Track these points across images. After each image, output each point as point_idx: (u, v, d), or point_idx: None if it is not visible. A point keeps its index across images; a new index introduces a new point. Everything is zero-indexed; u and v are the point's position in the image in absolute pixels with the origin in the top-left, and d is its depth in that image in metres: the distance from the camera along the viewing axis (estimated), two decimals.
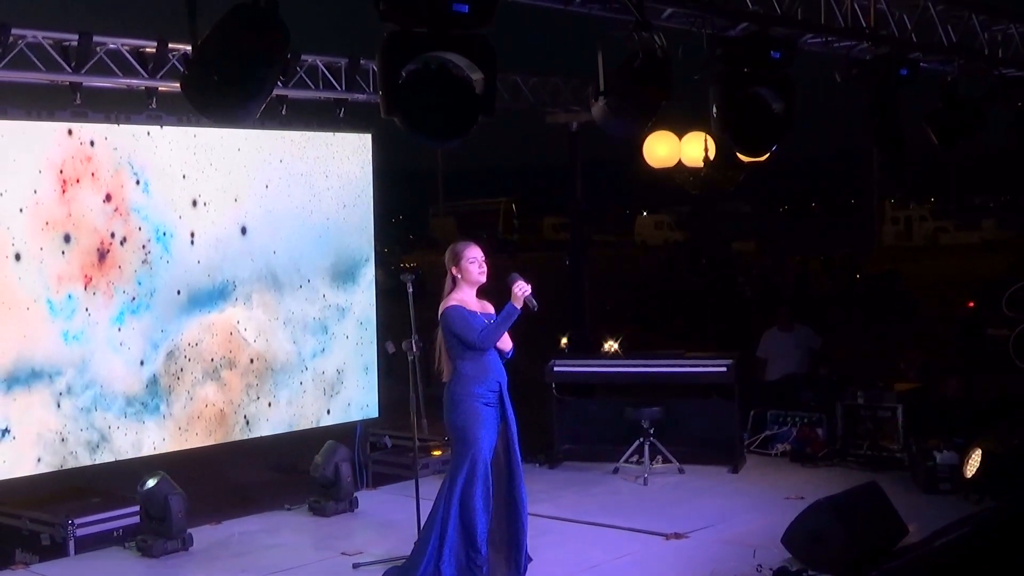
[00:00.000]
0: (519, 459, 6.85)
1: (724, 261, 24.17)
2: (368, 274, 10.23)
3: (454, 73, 6.35)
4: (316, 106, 9.81)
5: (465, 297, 6.81)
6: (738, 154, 9.17)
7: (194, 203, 9.06)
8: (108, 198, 8.55)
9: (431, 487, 7.17)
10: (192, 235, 9.05)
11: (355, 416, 10.17)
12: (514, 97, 10.63)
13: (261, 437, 9.56)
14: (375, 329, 10.24)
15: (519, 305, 6.64)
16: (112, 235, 8.57)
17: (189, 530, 8.01)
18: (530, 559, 6.89)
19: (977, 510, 8.36)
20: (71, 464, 8.38)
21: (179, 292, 8.97)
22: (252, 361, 9.45)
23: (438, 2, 6.04)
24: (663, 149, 12.49)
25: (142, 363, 8.76)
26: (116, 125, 8.58)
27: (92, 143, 8.46)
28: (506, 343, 6.83)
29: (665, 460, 9.96)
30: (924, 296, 25.66)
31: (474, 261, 6.81)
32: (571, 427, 10.64)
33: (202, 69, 5.68)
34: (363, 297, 10.19)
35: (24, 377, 8.09)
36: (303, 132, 9.73)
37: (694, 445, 10.17)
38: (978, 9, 9.41)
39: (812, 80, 9.28)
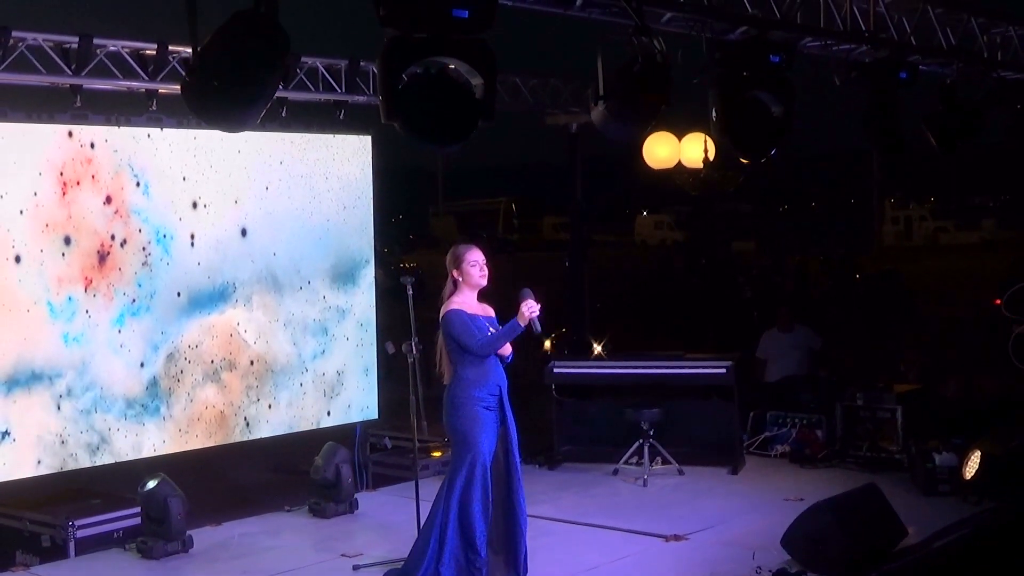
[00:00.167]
0: (518, 463, 6.86)
1: (724, 261, 24.10)
2: (368, 276, 10.24)
3: (454, 78, 6.35)
4: (316, 108, 9.83)
5: (466, 300, 6.82)
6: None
7: (194, 205, 9.07)
8: (108, 200, 8.56)
9: (431, 488, 7.17)
10: (192, 237, 9.06)
11: (355, 417, 10.19)
12: (514, 98, 10.63)
13: (261, 439, 9.58)
14: (375, 331, 10.26)
15: (524, 324, 6.66)
16: (112, 237, 8.59)
17: (189, 532, 8.01)
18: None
19: (976, 512, 8.37)
20: (71, 466, 8.39)
21: (179, 294, 8.98)
22: (252, 363, 9.46)
23: (438, 7, 6.04)
24: (663, 150, 12.52)
25: (142, 365, 8.77)
26: (116, 127, 8.59)
27: (92, 145, 8.47)
28: (506, 348, 6.84)
29: (665, 461, 9.96)
30: (924, 296, 25.61)
31: (475, 264, 6.83)
32: (571, 428, 10.65)
33: (203, 75, 5.69)
34: (363, 299, 10.20)
35: (24, 379, 8.10)
36: (303, 134, 9.74)
37: (693, 446, 10.18)
38: (977, 12, 9.40)
39: (812, 79, 9.27)
